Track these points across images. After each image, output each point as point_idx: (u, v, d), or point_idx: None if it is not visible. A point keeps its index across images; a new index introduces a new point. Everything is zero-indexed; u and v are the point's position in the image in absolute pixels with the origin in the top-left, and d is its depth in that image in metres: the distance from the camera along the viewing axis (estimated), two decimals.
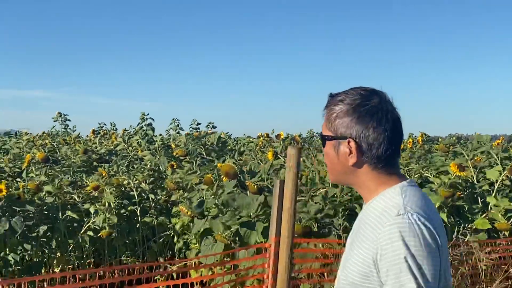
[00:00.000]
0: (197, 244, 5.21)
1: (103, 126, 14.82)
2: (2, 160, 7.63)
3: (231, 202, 4.93)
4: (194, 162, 6.95)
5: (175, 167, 7.03)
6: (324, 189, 4.85)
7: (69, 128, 12.39)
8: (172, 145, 9.42)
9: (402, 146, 7.02)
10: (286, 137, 9.35)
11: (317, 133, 13.15)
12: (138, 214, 6.05)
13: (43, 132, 12.02)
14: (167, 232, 6.14)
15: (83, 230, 5.54)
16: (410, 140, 9.65)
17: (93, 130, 12.05)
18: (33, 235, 5.20)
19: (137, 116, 10.97)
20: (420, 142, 9.58)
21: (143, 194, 6.30)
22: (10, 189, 5.24)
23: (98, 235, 5.54)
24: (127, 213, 6.06)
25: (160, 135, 10.80)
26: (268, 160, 6.44)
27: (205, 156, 8.09)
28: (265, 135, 9.99)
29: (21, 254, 5.13)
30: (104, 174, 6.31)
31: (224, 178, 5.29)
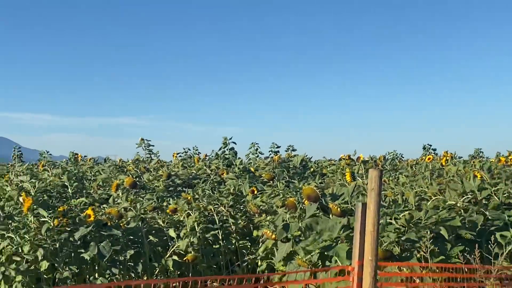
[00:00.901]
0: (281, 268, 5.17)
1: (187, 152, 15.12)
2: (91, 186, 7.91)
3: (314, 225, 4.89)
4: (277, 185, 6.95)
5: (255, 192, 7.05)
6: (408, 211, 4.71)
7: (153, 154, 12.65)
8: (252, 168, 9.47)
9: (488, 165, 6.72)
10: (368, 159, 9.18)
11: (400, 154, 12.84)
12: (221, 238, 6.08)
13: (128, 159, 12.37)
14: (250, 256, 6.14)
15: (168, 254, 5.64)
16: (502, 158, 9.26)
17: (175, 154, 12.25)
18: (120, 259, 5.33)
19: (219, 140, 11.10)
20: (504, 162, 9.16)
21: (226, 218, 6.34)
22: (98, 215, 5.41)
23: (184, 259, 5.61)
24: (210, 237, 6.11)
25: (239, 158, 10.88)
26: (348, 183, 6.34)
27: (287, 179, 8.08)
28: (347, 157, 9.85)
29: (109, 278, 5.26)
30: (188, 199, 6.41)
31: (306, 201, 5.25)
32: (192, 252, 5.62)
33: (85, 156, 13.40)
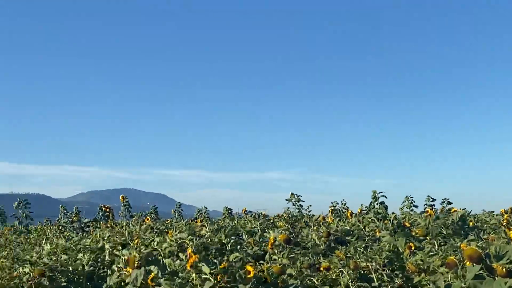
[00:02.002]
0: None
1: (335, 206, 15.09)
2: (247, 242, 8.10)
3: (478, 285, 4.65)
4: (434, 242, 6.70)
5: (413, 248, 6.84)
6: None
7: (303, 209, 12.73)
8: (407, 224, 9.20)
9: None
10: None
11: None
12: None
13: (277, 214, 12.55)
14: None
15: None
16: None
17: (332, 210, 12.25)
18: None
19: (368, 193, 11.00)
20: None
21: (381, 277, 6.19)
22: (256, 271, 5.52)
23: None
24: None
25: (393, 213, 10.65)
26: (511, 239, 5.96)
27: (444, 235, 7.75)
28: (509, 211, 9.30)
29: None
30: (341, 256, 6.36)
31: (468, 262, 5.00)
32: None
33: (237, 211, 13.82)
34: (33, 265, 7.33)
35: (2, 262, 8.23)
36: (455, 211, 9.89)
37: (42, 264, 7.46)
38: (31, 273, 7.20)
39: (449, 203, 11.17)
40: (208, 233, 8.42)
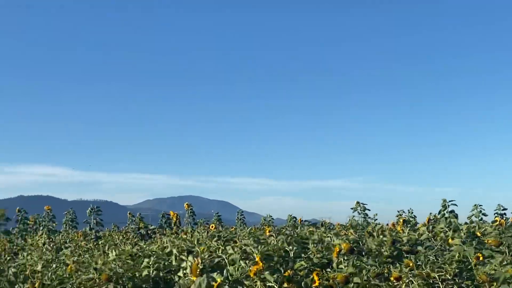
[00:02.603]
0: None
1: (401, 214, 14.77)
2: (311, 251, 8.00)
3: None
4: (506, 252, 6.43)
5: (481, 258, 6.60)
6: None
7: (368, 217, 12.52)
8: (478, 233, 8.90)
9: None
10: None
11: None
12: None
13: (340, 223, 12.39)
14: None
15: None
16: None
17: (403, 220, 12.00)
18: None
19: (435, 201, 10.72)
20: None
21: (451, 287, 5.98)
22: (322, 280, 5.44)
23: None
24: None
25: (466, 223, 10.33)
26: None
27: None
28: None
29: None
30: (410, 265, 6.18)
31: None
32: None
33: (301, 219, 13.74)
34: (97, 270, 7.47)
35: (70, 268, 8.42)
36: None
37: (108, 270, 7.60)
38: (96, 279, 7.34)
39: None
40: (274, 242, 8.37)
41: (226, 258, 7.29)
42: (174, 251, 8.76)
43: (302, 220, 13.77)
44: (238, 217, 16.01)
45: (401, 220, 11.59)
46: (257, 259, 5.61)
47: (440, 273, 5.95)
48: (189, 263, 6.75)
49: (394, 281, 5.86)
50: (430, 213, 11.63)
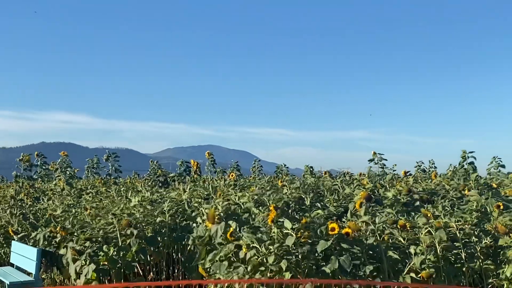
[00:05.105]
0: None
1: (421, 165, 14.72)
2: (328, 199, 8.04)
3: None
4: None
5: (501, 208, 6.58)
6: None
7: (386, 168, 12.47)
8: (494, 184, 8.86)
9: None
10: None
11: None
12: (463, 257, 5.76)
13: (360, 174, 12.37)
14: (495, 278, 5.75)
15: (405, 271, 5.50)
16: None
17: (422, 170, 11.94)
18: (360, 274, 5.32)
19: (454, 153, 10.65)
20: None
21: (468, 237, 5.99)
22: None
23: (418, 276, 5.45)
24: (451, 256, 5.83)
25: (481, 177, 10.27)
26: None
27: None
28: None
29: None
30: (428, 215, 6.18)
31: None
32: (427, 270, 5.44)
33: (320, 170, 13.75)
34: (116, 216, 7.60)
35: (90, 212, 8.57)
36: None
37: (126, 216, 7.72)
38: (116, 225, 7.47)
39: None
40: (289, 190, 8.43)
41: (242, 205, 7.37)
42: (190, 198, 8.86)
43: (321, 171, 13.79)
44: (256, 166, 16.05)
45: (416, 170, 11.57)
46: (271, 208, 5.64)
47: (459, 223, 5.94)
48: (206, 210, 6.82)
49: (401, 229, 5.85)
50: (450, 164, 11.60)
